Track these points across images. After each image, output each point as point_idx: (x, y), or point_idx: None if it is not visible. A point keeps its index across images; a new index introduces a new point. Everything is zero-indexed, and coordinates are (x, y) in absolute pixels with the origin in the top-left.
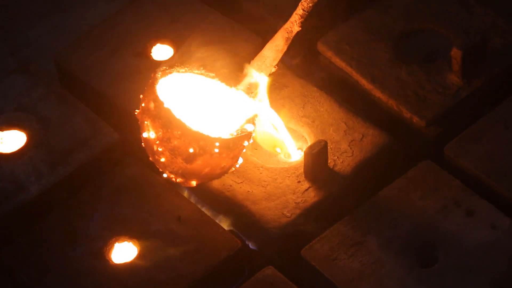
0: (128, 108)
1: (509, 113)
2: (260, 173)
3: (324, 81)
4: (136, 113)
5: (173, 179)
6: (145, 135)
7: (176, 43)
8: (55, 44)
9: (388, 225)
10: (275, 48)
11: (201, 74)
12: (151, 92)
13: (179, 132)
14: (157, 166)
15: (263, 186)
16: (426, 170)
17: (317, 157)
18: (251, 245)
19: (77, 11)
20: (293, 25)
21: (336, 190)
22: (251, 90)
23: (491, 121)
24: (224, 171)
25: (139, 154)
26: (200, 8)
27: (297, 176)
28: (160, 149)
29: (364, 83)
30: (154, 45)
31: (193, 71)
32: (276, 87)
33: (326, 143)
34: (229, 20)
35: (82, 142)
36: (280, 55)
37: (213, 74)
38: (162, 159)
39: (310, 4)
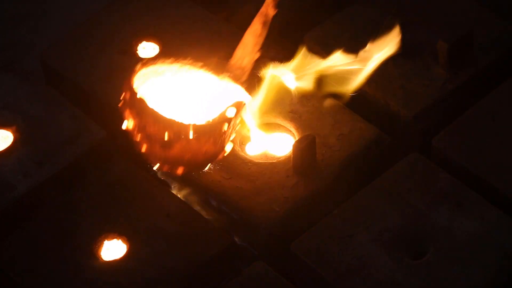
0: (115, 105)
1: (496, 105)
2: (249, 168)
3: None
4: (119, 106)
5: (162, 169)
6: (124, 125)
7: (161, 41)
8: (40, 43)
9: (377, 218)
10: (253, 33)
11: (188, 64)
12: (127, 83)
13: (152, 119)
14: (142, 157)
15: (252, 181)
16: (414, 162)
17: (305, 151)
18: (238, 241)
19: (61, 9)
20: (268, 8)
21: (324, 184)
22: (237, 78)
23: (478, 113)
24: (209, 157)
25: (127, 151)
26: (185, 5)
27: (286, 171)
28: (139, 138)
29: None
30: (140, 42)
31: (180, 61)
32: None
33: (314, 137)
34: (214, 17)
35: (70, 140)
36: (261, 40)
37: (201, 64)
38: (143, 149)
39: None
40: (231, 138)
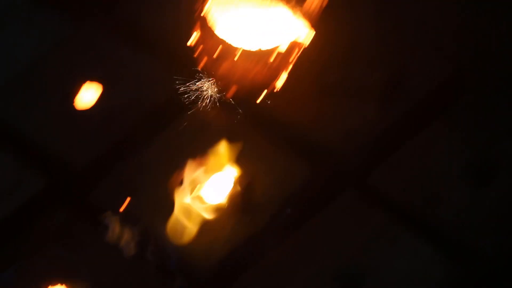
0: (59, 152)
1: (429, 140)
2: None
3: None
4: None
5: (215, 84)
6: (191, 38)
7: (104, 81)
8: None
9: (314, 257)
10: None
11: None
12: (202, 7)
13: (209, 35)
14: (203, 71)
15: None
16: (350, 199)
17: (246, 190)
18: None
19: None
20: None
21: (264, 223)
22: (307, 15)
23: (412, 149)
24: (257, 85)
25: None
26: (126, 51)
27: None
28: (200, 50)
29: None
30: (81, 89)
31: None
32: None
33: (254, 177)
34: (156, 63)
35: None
36: None
37: None
38: (203, 61)
39: None
40: (285, 73)
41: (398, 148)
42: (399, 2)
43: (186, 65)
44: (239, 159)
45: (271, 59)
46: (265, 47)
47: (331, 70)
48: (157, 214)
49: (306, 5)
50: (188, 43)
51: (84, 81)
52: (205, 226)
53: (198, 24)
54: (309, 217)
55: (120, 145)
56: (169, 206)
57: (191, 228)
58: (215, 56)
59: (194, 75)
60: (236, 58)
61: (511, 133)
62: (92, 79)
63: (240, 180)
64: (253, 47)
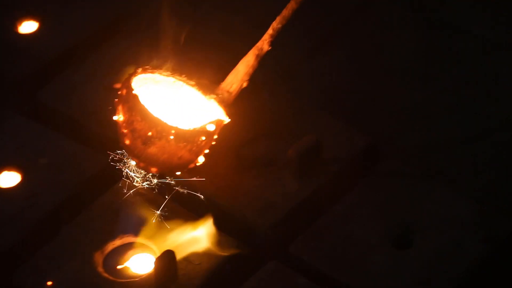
0: None
1: (348, 209)
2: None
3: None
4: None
5: (137, 164)
6: (115, 118)
7: (23, 169)
8: None
9: None
10: (246, 63)
11: (182, 80)
12: (126, 81)
13: (140, 116)
14: (125, 151)
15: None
16: (273, 270)
17: (166, 267)
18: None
19: None
20: (264, 43)
21: None
22: (222, 100)
23: (331, 217)
24: (183, 163)
25: None
26: (46, 134)
27: None
28: (125, 131)
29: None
30: (0, 173)
31: (175, 76)
32: None
33: (173, 253)
34: (74, 143)
35: None
36: (251, 71)
37: (193, 82)
38: (127, 142)
39: (279, 25)
40: (205, 152)
41: (319, 217)
42: (314, 81)
43: (107, 145)
44: (162, 234)
45: (201, 138)
46: (195, 126)
47: (250, 145)
48: None
49: (220, 90)
50: (115, 119)
51: (4, 166)
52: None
53: (124, 104)
54: None
55: (43, 227)
56: (94, 283)
57: None
58: (150, 134)
59: (117, 155)
60: (172, 137)
61: (427, 197)
62: (12, 163)
63: (163, 255)
64: (186, 126)
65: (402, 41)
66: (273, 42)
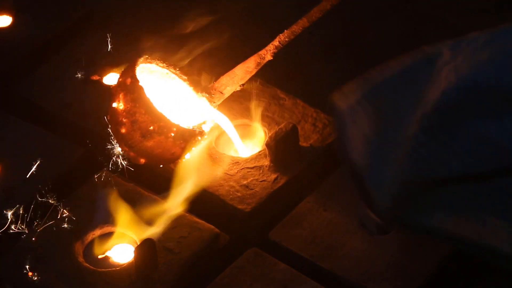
0: None
1: (326, 196)
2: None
3: None
4: (111, 86)
5: (126, 153)
6: (114, 105)
7: (2, 163)
8: None
9: None
10: (245, 69)
11: (176, 73)
12: (130, 70)
13: (145, 109)
14: (115, 137)
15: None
16: (253, 257)
17: (146, 255)
18: None
19: None
20: (267, 53)
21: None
22: (212, 100)
23: (310, 204)
24: (173, 159)
25: None
26: (23, 126)
27: (129, 276)
28: (124, 120)
29: None
30: None
31: (170, 69)
32: None
33: (153, 241)
34: (52, 135)
35: None
36: (248, 77)
37: (186, 77)
38: (123, 130)
39: (287, 39)
40: (192, 150)
41: (298, 204)
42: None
43: (84, 137)
44: (140, 224)
45: (197, 138)
46: (193, 125)
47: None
48: (61, 282)
49: (213, 90)
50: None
51: None
52: None
53: (127, 94)
54: (216, 276)
55: (21, 219)
56: (74, 273)
57: None
58: (151, 128)
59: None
60: (172, 134)
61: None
62: None
63: (143, 244)
64: (185, 125)
65: None
66: (276, 54)
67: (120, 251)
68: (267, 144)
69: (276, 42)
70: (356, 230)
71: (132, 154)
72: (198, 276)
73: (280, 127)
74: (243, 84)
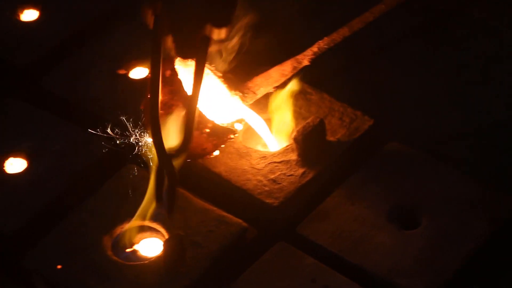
0: None
1: (354, 190)
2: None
3: None
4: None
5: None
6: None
7: (28, 156)
8: None
9: None
10: (281, 71)
11: (211, 69)
12: (170, 63)
13: (181, 102)
14: (148, 128)
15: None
16: (280, 251)
17: (175, 249)
18: None
19: None
20: (304, 58)
21: (194, 280)
22: (245, 99)
23: (337, 199)
24: (203, 154)
25: None
26: (51, 120)
27: (158, 270)
28: (160, 112)
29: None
30: (7, 159)
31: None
32: None
33: (182, 235)
34: (79, 129)
35: None
36: (283, 80)
37: (220, 74)
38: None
39: (326, 46)
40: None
41: (325, 198)
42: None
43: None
44: (170, 217)
45: (230, 136)
46: (226, 122)
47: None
48: (90, 276)
49: (246, 89)
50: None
51: (10, 152)
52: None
53: (165, 86)
54: (243, 270)
55: (50, 212)
56: (103, 266)
57: None
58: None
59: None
60: (207, 130)
61: (432, 178)
62: (18, 149)
63: (172, 238)
64: (221, 122)
65: None
66: (313, 60)
67: (148, 245)
68: (295, 139)
69: (315, 48)
70: (383, 224)
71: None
72: (226, 270)
73: (307, 121)
74: (276, 87)
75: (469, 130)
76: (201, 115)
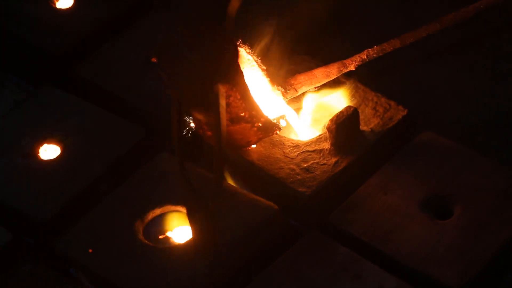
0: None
1: (386, 179)
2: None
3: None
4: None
5: (203, 131)
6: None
7: (63, 143)
8: None
9: None
10: (326, 73)
11: (257, 62)
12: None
13: (241, 95)
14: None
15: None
16: (313, 240)
17: (204, 227)
18: None
19: None
20: (351, 63)
21: (227, 267)
22: (285, 95)
23: (370, 188)
24: (245, 146)
25: None
26: (85, 107)
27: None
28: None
29: None
30: (42, 145)
31: (253, 56)
32: None
33: (210, 207)
34: (113, 116)
35: None
36: (326, 81)
37: (265, 68)
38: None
39: (374, 55)
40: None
41: (358, 187)
42: None
43: (145, 118)
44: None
45: (276, 131)
46: (273, 117)
47: None
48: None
49: (288, 85)
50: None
51: (45, 138)
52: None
53: (231, 80)
54: (275, 258)
55: (83, 198)
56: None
57: None
58: (242, 115)
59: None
60: (260, 125)
61: (466, 167)
62: (53, 135)
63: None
64: (270, 117)
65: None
66: (359, 66)
67: (181, 232)
68: (328, 128)
69: (363, 55)
70: (416, 214)
71: (209, 133)
72: (258, 257)
73: (341, 110)
74: (317, 87)
75: (504, 121)
76: (257, 108)
